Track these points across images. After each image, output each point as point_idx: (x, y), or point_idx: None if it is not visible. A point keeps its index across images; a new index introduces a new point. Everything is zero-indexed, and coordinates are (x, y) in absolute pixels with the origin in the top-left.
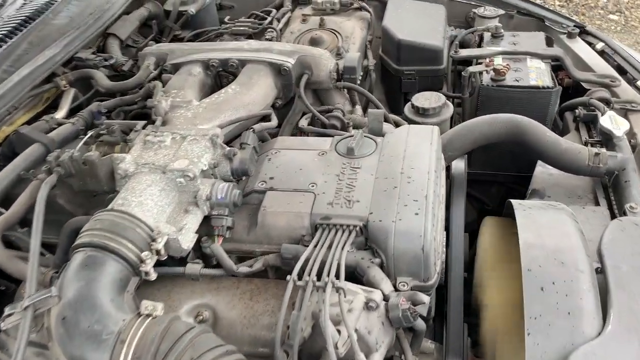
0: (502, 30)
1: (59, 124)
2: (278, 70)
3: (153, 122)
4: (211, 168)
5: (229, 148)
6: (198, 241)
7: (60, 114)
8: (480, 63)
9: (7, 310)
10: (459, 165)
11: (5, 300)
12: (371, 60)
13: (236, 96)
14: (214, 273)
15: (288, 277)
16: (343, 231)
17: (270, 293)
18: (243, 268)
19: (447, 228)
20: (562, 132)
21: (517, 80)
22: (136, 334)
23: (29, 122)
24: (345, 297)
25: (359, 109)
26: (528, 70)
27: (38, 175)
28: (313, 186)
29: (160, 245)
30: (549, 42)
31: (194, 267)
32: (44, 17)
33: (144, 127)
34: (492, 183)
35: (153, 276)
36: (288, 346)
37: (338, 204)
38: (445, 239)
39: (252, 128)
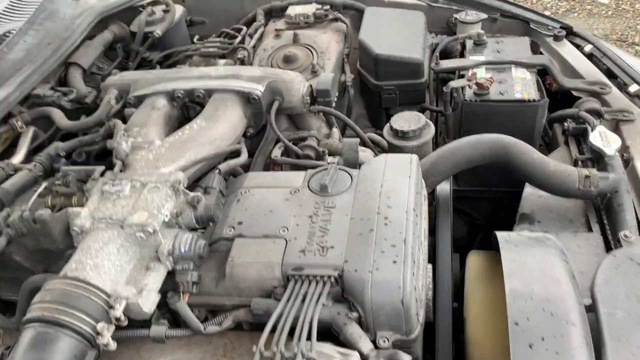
0: (485, 37)
1: (16, 170)
2: (247, 99)
3: (113, 166)
4: (174, 217)
5: (192, 195)
6: (164, 296)
7: (17, 159)
8: (462, 76)
9: None
10: (444, 187)
11: None
12: (349, 75)
13: (201, 132)
14: (182, 334)
15: (254, 347)
16: (317, 282)
17: (245, 348)
18: (212, 328)
19: (434, 255)
20: (551, 144)
21: (502, 94)
22: None
23: None
24: None
25: (336, 132)
26: (513, 81)
27: None
28: (284, 231)
29: (118, 312)
30: (535, 47)
31: (160, 330)
32: None
33: (102, 174)
34: (482, 198)
35: (112, 347)
36: None
37: (311, 251)
38: (431, 272)
39: (218, 168)
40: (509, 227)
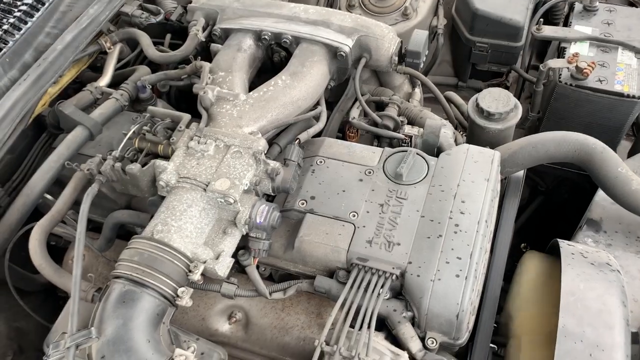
0: (597, 4)
1: (103, 93)
2: (334, 53)
3: (198, 115)
4: (252, 185)
5: (271, 166)
6: (236, 252)
7: (104, 81)
8: (563, 50)
9: (51, 349)
10: (518, 174)
11: (56, 254)
12: (441, 21)
13: (285, 90)
14: (249, 295)
15: (316, 342)
16: (379, 276)
17: (302, 307)
18: (276, 294)
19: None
20: (637, 143)
21: (601, 82)
22: None
23: (74, 80)
24: None
25: (418, 92)
26: (616, 67)
27: (82, 166)
28: (354, 216)
29: (197, 276)
30: None
31: (230, 288)
32: None
33: (187, 125)
34: (550, 174)
35: (189, 304)
36: None
37: (377, 243)
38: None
39: (298, 138)
40: (571, 204)
